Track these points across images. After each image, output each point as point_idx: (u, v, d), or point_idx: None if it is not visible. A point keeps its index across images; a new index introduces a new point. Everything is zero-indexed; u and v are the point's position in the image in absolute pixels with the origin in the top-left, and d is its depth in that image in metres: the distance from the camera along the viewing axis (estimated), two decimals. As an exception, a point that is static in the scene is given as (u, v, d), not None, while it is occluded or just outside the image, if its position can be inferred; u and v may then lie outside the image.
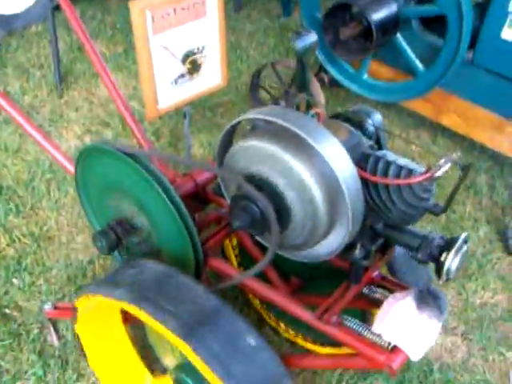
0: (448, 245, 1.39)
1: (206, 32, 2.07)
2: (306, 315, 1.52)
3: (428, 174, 1.33)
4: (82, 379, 2.15)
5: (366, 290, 1.63)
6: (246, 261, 2.17)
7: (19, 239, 2.64)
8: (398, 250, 1.69)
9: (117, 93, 2.12)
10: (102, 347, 1.92)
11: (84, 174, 1.79)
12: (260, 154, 1.36)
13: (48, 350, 2.24)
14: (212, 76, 2.21)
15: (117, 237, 1.72)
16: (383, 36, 2.76)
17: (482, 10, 2.77)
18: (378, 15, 2.71)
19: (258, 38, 4.30)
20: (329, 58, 3.24)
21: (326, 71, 3.35)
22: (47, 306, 2.13)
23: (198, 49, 2.09)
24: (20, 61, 3.82)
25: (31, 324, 2.32)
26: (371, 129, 1.56)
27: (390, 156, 1.43)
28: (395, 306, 1.47)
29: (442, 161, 1.33)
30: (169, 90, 2.10)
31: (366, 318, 1.81)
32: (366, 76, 3.15)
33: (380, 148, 1.57)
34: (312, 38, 1.58)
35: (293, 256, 1.53)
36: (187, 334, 1.32)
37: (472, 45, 2.82)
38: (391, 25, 2.79)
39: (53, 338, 2.25)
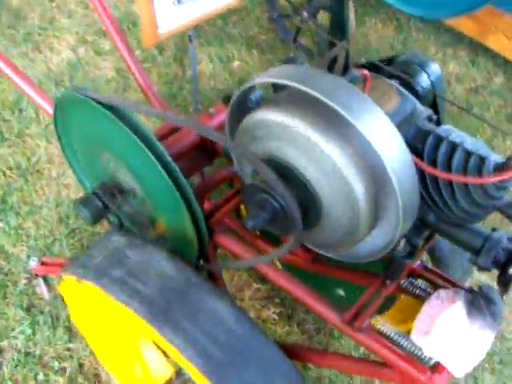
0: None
1: None
2: (333, 318, 1.25)
3: (509, 173, 0.99)
4: (75, 340, 1.94)
5: (404, 283, 1.35)
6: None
7: (4, 173, 2.35)
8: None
9: (102, 7, 1.75)
10: (96, 321, 1.68)
11: (64, 126, 1.47)
12: (281, 131, 1.03)
13: (37, 304, 2.02)
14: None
15: (103, 204, 1.42)
16: None
17: None
18: None
19: None
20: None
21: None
22: (33, 262, 1.87)
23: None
24: (5, -46, 3.34)
25: (19, 273, 2.08)
26: (426, 86, 1.21)
27: (455, 135, 1.08)
28: (442, 316, 1.19)
29: None
30: (170, 11, 1.72)
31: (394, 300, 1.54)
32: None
33: (436, 112, 1.22)
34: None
35: (332, 255, 1.24)
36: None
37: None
38: None
39: (43, 291, 2.02)
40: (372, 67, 1.24)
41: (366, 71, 1.07)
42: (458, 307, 1.20)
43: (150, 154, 1.25)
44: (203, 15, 1.81)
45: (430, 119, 1.14)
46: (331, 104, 0.95)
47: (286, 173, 1.05)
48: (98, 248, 1.36)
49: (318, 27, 2.92)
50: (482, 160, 1.03)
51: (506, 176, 0.98)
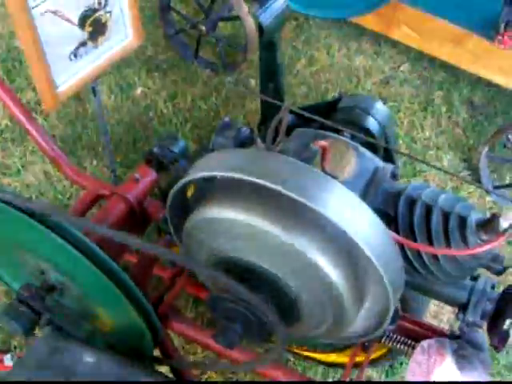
0: (506, 301, 1.02)
1: (107, -21, 1.46)
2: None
3: (501, 238, 0.90)
4: None
5: (384, 340, 1.26)
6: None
7: None
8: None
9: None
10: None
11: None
12: (234, 229, 0.90)
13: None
14: (122, 35, 1.63)
15: (32, 310, 1.23)
16: None
17: None
18: None
19: None
20: (253, -32, 2.63)
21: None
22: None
23: (99, 4, 1.49)
24: None
25: None
26: (376, 131, 1.11)
27: (426, 192, 0.99)
28: (434, 376, 1.11)
29: (505, 213, 0.91)
30: (67, 67, 1.52)
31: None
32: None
33: (389, 156, 1.12)
34: (279, 3, 1.07)
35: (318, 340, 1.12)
36: None
37: None
38: None
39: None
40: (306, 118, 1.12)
41: (323, 143, 0.95)
42: (448, 362, 1.13)
43: (74, 250, 1.08)
44: (104, 63, 1.62)
45: (394, 176, 1.04)
46: (286, 192, 0.83)
47: (250, 274, 0.92)
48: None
49: (220, 40, 2.78)
50: (462, 219, 0.95)
51: (496, 243, 0.90)
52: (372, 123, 1.13)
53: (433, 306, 2.04)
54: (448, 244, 0.96)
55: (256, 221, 0.89)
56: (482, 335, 1.17)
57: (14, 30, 1.40)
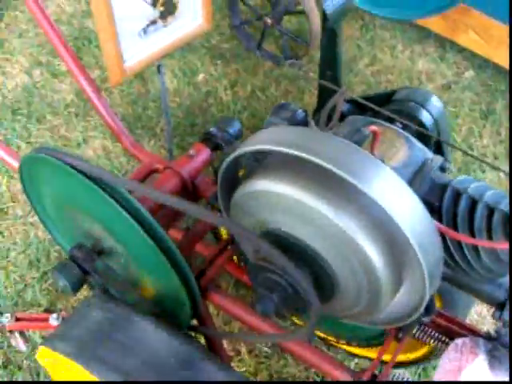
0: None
1: (182, -39, 1.52)
2: (339, 375, 1.16)
3: None
4: (57, 396, 1.82)
5: (416, 332, 1.27)
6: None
7: (-36, 213, 2.20)
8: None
9: (52, 29, 1.62)
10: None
11: (32, 184, 1.33)
12: (283, 204, 0.93)
13: (14, 359, 1.89)
14: (192, 17, 1.68)
15: (81, 269, 1.30)
16: None
17: None
18: None
19: None
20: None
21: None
22: (6, 319, 1.74)
23: (171, -15, 1.55)
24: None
25: (-9, 325, 1.94)
26: (430, 125, 1.12)
27: (474, 187, 1.00)
28: (465, 372, 1.12)
29: None
30: (136, 44, 1.59)
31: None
32: (369, -13, 2.59)
33: (440, 150, 1.13)
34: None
35: (351, 321, 1.14)
36: None
37: None
38: None
39: (18, 343, 1.88)
40: (364, 106, 1.15)
41: (375, 127, 0.97)
42: (480, 361, 1.13)
43: (130, 218, 1.13)
44: (172, 43, 1.68)
45: (442, 169, 1.05)
46: (340, 173, 0.85)
47: (292, 248, 0.95)
48: (77, 323, 1.27)
49: (285, 33, 2.82)
50: (506, 215, 0.96)
51: None
52: (425, 116, 1.14)
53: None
54: (490, 239, 0.97)
55: (304, 197, 0.92)
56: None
57: (90, 4, 1.48)
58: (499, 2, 2.47)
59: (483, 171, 2.52)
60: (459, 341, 1.21)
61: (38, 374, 1.86)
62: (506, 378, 1.13)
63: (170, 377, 1.11)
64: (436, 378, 1.17)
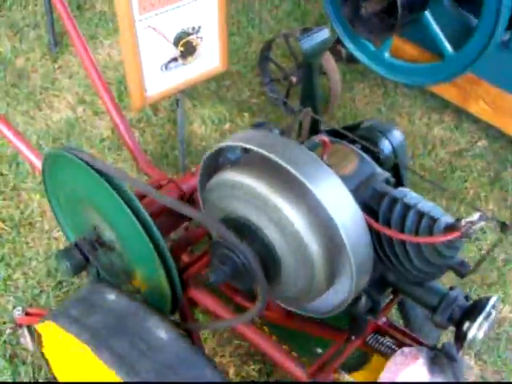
0: (473, 309, 1.14)
1: (203, 10, 1.77)
2: (298, 372, 1.29)
3: (457, 233, 1.06)
4: (55, 390, 1.97)
5: (370, 340, 1.39)
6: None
7: (-3, 224, 2.43)
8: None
9: (97, 73, 1.87)
10: (70, 369, 1.71)
11: (51, 179, 1.55)
12: (243, 192, 1.11)
13: (20, 354, 2.06)
14: (209, 59, 1.92)
15: (83, 256, 1.48)
16: (410, 13, 2.43)
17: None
18: (405, -11, 2.38)
19: (272, 0, 3.94)
20: (347, 31, 2.91)
21: (343, 45, 3.02)
22: (17, 312, 1.92)
23: (193, 29, 1.80)
24: (14, 19, 3.52)
25: (4, 323, 2.13)
26: (388, 151, 1.29)
27: (410, 197, 1.15)
28: (404, 372, 1.23)
29: (476, 216, 1.06)
30: (158, 76, 1.83)
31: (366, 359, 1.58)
32: (387, 55, 2.83)
33: (398, 179, 1.29)
34: (323, 35, 1.30)
35: (293, 308, 1.29)
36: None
37: (509, 26, 2.49)
38: (419, 1, 2.46)
39: (27, 341, 2.05)
40: (338, 134, 1.33)
41: (324, 137, 1.15)
42: (420, 364, 1.24)
43: (129, 212, 1.32)
44: (190, 80, 1.92)
45: (387, 182, 1.21)
46: (292, 171, 1.03)
47: (248, 231, 1.12)
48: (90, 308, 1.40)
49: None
50: (434, 221, 1.10)
51: (454, 235, 1.04)
52: (385, 143, 1.31)
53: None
54: (418, 244, 1.11)
55: (265, 190, 1.08)
56: (457, 351, 1.27)
57: (120, 38, 1.73)
58: (507, 73, 2.64)
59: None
60: (406, 348, 1.32)
61: (40, 370, 2.01)
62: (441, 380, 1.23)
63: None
64: (380, 377, 1.28)
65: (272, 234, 1.10)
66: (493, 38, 2.40)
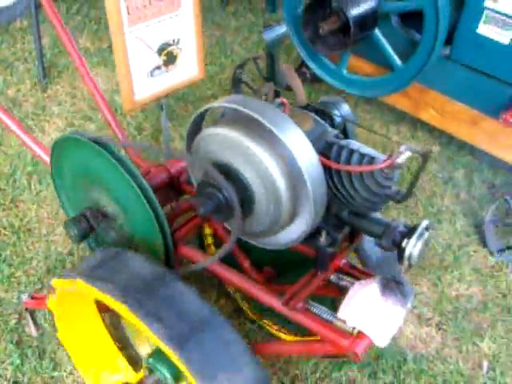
0: (410, 232, 1.42)
1: (181, 25, 2.09)
2: (272, 301, 1.55)
3: (389, 161, 1.35)
4: (59, 368, 2.18)
5: (333, 278, 1.66)
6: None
7: (-1, 231, 2.66)
8: (368, 240, 1.72)
9: (95, 87, 2.15)
10: (77, 333, 1.94)
11: (58, 162, 1.81)
12: (225, 142, 1.39)
13: (26, 340, 2.26)
14: (188, 68, 2.23)
15: (89, 224, 1.74)
16: (361, 31, 2.79)
17: (459, 5, 2.81)
18: (356, 10, 2.74)
19: (243, 34, 4.31)
20: (310, 54, 3.26)
21: (307, 67, 3.37)
22: (24, 296, 2.14)
23: (173, 41, 2.11)
24: (4, 55, 3.83)
25: (9, 314, 2.34)
26: (338, 119, 1.59)
27: (354, 145, 1.45)
28: (360, 292, 1.50)
29: (403, 148, 1.36)
30: (145, 82, 2.12)
31: (335, 307, 1.84)
32: (345, 71, 3.18)
33: (347, 138, 1.60)
34: (281, 29, 1.61)
35: (257, 243, 1.56)
36: (175, 346, 1.36)
37: (449, 41, 2.87)
38: (370, 20, 2.81)
39: (31, 329, 2.26)
40: (303, 107, 1.63)
41: (283, 99, 1.45)
42: (374, 287, 1.51)
43: (134, 184, 1.59)
44: (172, 86, 2.21)
45: (337, 137, 1.51)
46: (264, 122, 1.31)
47: (229, 173, 1.39)
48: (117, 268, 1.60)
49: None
50: (372, 158, 1.39)
51: (387, 164, 1.34)
52: (336, 112, 1.60)
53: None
54: (361, 176, 1.40)
55: (243, 139, 1.36)
56: (406, 279, 1.55)
57: (112, 47, 2.02)
58: (451, 82, 3.00)
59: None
60: (363, 280, 1.59)
61: (45, 352, 2.22)
62: (395, 302, 1.50)
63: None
64: (342, 303, 1.54)
65: (248, 174, 1.38)
66: (433, 52, 2.76)
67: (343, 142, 1.47)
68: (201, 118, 1.51)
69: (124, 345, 2.14)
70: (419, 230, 1.42)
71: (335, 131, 1.52)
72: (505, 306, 2.61)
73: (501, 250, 2.81)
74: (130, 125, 3.28)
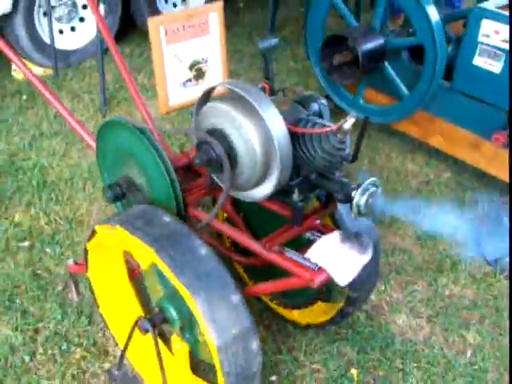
0: (358, 186, 1.79)
1: (209, 46, 2.58)
2: (253, 245, 1.94)
3: (338, 125, 1.74)
4: (92, 324, 2.60)
5: (308, 235, 2.03)
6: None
7: (56, 220, 3.17)
8: (342, 209, 2.09)
9: (146, 112, 2.68)
10: (109, 292, 2.36)
11: (102, 142, 2.29)
12: (220, 112, 1.83)
13: (68, 302, 2.71)
14: (215, 83, 2.71)
15: (121, 190, 2.19)
16: (369, 63, 3.23)
17: (458, 42, 3.22)
18: (365, 46, 3.19)
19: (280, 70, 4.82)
20: (331, 87, 3.72)
21: (330, 98, 3.82)
22: (70, 261, 2.59)
23: (202, 59, 2.58)
24: (73, 87, 4.47)
25: (57, 283, 2.80)
26: (315, 108, 2.00)
27: (319, 120, 1.86)
28: (323, 238, 1.87)
29: (349, 117, 1.74)
30: (178, 91, 2.60)
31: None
32: (361, 101, 3.60)
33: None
34: (274, 41, 2.06)
35: (237, 196, 1.96)
36: (193, 291, 1.76)
37: (451, 76, 3.26)
38: (378, 54, 3.26)
39: (73, 294, 2.71)
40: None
41: (265, 84, 1.89)
42: (335, 234, 1.88)
43: (158, 160, 2.04)
44: (200, 97, 2.69)
45: (307, 115, 1.92)
46: (248, 98, 1.75)
47: (221, 136, 1.82)
48: (136, 216, 2.01)
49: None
50: (326, 126, 1.79)
51: (336, 127, 1.73)
52: (314, 104, 2.01)
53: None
54: (320, 139, 1.79)
55: (234, 112, 1.79)
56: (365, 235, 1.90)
57: (153, 61, 2.52)
58: (455, 111, 3.37)
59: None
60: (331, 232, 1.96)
61: (82, 311, 2.65)
62: (352, 248, 1.86)
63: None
64: (308, 251, 1.91)
65: (235, 138, 1.80)
66: (434, 80, 3.16)
67: (311, 118, 1.87)
68: (206, 95, 1.95)
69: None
70: (365, 184, 1.78)
71: (308, 112, 1.93)
72: (494, 306, 2.85)
73: (496, 260, 3.07)
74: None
